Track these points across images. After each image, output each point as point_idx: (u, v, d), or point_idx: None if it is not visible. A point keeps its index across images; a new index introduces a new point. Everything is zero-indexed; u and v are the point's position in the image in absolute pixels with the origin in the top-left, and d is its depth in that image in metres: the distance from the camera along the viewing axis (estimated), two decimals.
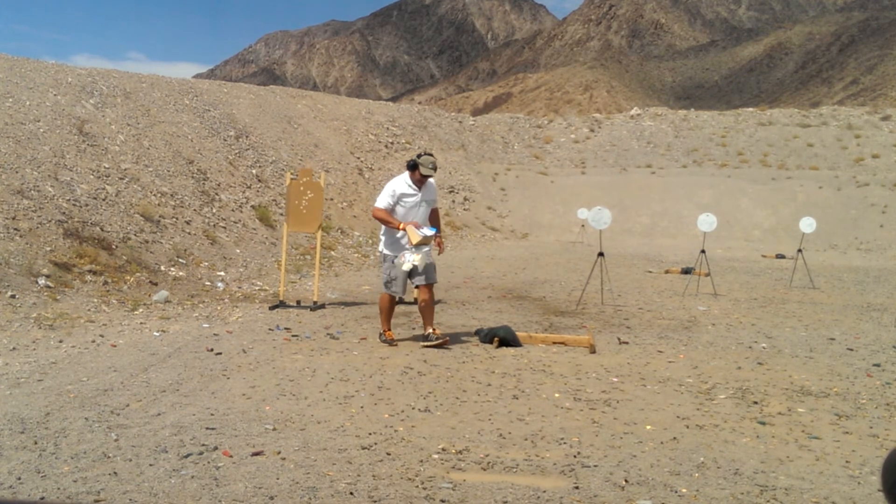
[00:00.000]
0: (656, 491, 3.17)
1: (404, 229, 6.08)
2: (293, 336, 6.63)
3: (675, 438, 3.92)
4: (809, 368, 5.85)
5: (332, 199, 17.63)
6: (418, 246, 6.06)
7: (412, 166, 6.21)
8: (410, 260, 6.02)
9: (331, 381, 4.98)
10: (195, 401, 4.40)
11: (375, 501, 2.98)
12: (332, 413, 4.22)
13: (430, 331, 6.30)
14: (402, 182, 6.26)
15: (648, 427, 4.12)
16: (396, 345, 6.26)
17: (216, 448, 3.55)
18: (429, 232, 6.11)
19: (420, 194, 6.25)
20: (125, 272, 8.83)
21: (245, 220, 13.26)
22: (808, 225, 12.27)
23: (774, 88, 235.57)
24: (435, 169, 6.21)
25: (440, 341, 6.21)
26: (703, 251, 11.43)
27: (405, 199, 6.22)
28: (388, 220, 6.14)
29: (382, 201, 6.19)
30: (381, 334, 6.49)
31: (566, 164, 32.67)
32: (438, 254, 6.44)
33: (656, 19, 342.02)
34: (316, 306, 8.34)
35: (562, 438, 3.88)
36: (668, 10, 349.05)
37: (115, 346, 6.01)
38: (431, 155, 6.30)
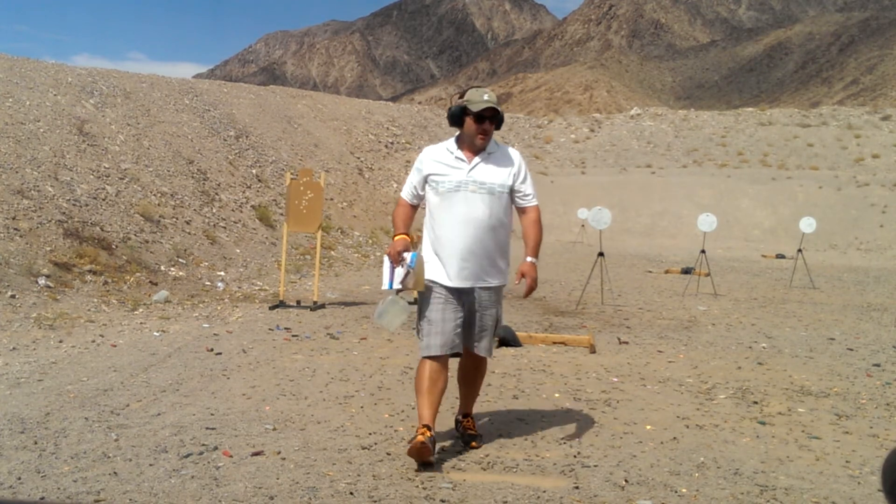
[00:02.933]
0: (656, 491, 3.17)
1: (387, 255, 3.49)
2: (293, 336, 6.63)
3: (675, 438, 3.92)
4: (809, 368, 5.85)
5: (332, 199, 17.63)
6: (406, 288, 3.43)
7: (456, 115, 3.47)
8: (379, 311, 3.46)
9: (331, 381, 4.97)
10: (195, 401, 4.40)
11: (375, 501, 2.98)
12: (332, 413, 4.22)
13: (462, 418, 3.77)
14: (438, 149, 3.56)
15: (648, 427, 4.12)
16: (432, 461, 3.31)
17: (216, 448, 3.55)
18: (399, 276, 3.40)
19: (471, 168, 3.44)
20: (125, 272, 8.83)
21: (245, 220, 13.26)
22: (808, 225, 12.29)
23: (774, 88, 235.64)
24: (497, 110, 3.40)
25: (472, 442, 3.68)
26: (703, 251, 11.44)
27: (436, 179, 3.46)
28: (394, 224, 3.62)
29: (406, 188, 3.65)
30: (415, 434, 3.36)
31: (566, 164, 32.68)
32: (524, 296, 3.71)
33: (656, 19, 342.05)
34: (316, 306, 8.34)
35: (562, 438, 3.88)
36: (668, 10, 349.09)
37: (115, 346, 6.01)
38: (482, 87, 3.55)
